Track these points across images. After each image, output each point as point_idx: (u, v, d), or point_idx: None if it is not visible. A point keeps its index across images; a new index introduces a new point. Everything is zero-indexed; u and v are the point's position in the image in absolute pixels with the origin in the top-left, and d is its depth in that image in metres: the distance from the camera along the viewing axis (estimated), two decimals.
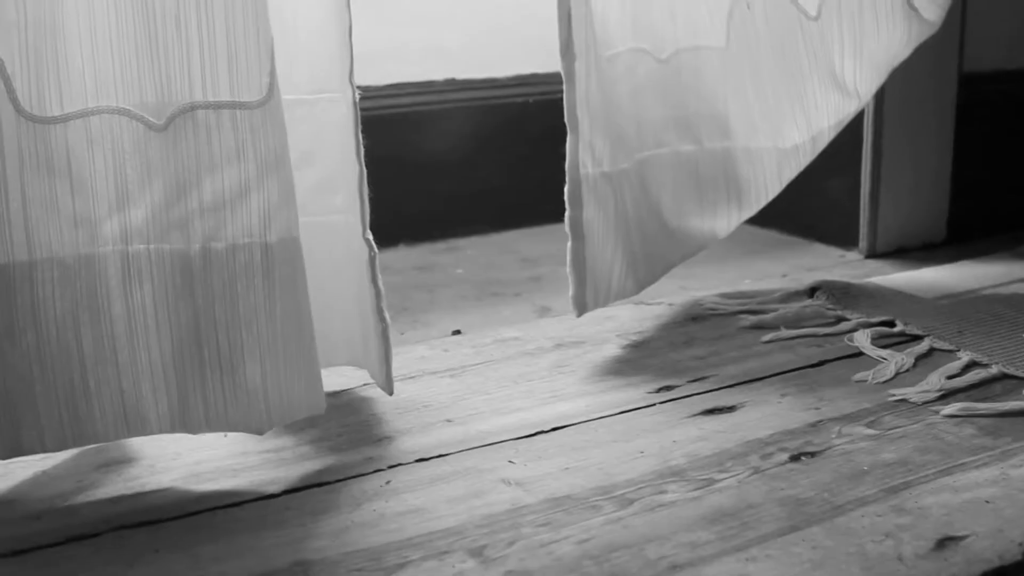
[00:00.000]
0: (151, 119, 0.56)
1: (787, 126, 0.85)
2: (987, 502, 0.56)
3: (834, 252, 1.10)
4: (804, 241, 1.15)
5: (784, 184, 0.87)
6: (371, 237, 0.64)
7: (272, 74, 0.56)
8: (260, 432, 0.59)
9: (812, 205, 1.13)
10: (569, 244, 0.75)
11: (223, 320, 0.57)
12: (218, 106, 0.56)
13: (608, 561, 0.51)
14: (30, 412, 0.57)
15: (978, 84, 1.11)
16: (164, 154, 0.56)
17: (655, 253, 0.83)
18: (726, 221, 0.87)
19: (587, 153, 0.73)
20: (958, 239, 1.12)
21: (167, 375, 0.58)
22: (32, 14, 0.53)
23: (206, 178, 0.56)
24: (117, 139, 0.56)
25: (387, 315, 0.65)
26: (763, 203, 0.88)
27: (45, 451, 0.58)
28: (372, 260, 0.64)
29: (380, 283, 0.65)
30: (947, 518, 0.54)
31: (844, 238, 1.10)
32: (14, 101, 0.54)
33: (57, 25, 0.54)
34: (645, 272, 0.82)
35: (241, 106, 0.56)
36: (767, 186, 0.87)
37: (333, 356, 0.71)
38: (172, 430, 0.60)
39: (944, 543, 0.52)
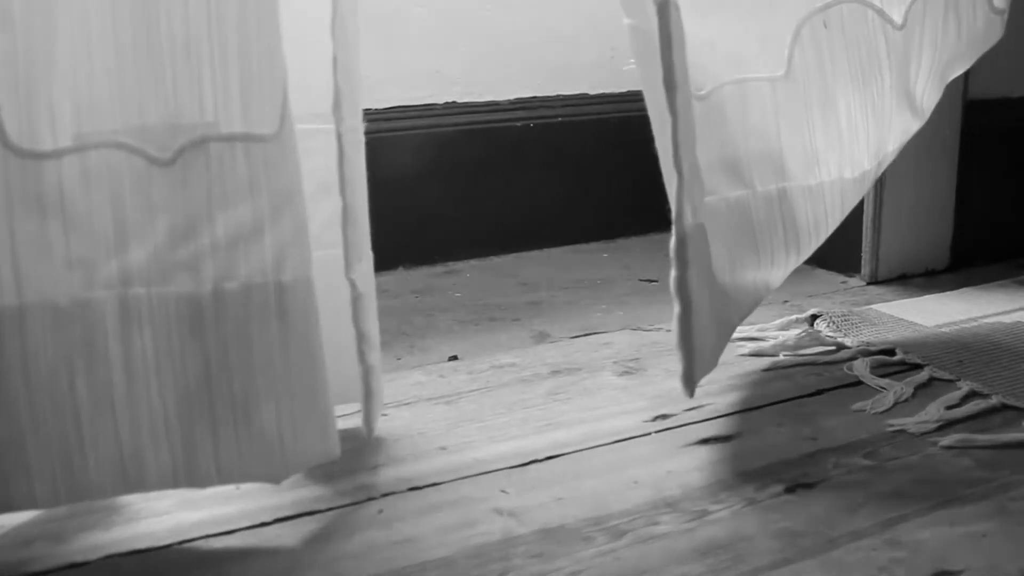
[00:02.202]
0: (155, 153, 0.53)
1: (859, 152, 0.78)
2: (983, 536, 0.55)
3: (836, 278, 1.09)
4: (806, 267, 1.14)
5: (843, 218, 0.80)
6: (355, 277, 0.60)
7: (285, 105, 0.53)
8: (276, 481, 0.57)
9: None
10: (677, 311, 0.63)
11: (237, 364, 0.54)
12: (231, 138, 0.53)
13: None
14: (20, 465, 0.53)
15: (983, 111, 1.10)
16: (171, 191, 0.53)
17: (722, 316, 0.73)
18: (783, 270, 0.77)
19: (688, 202, 0.63)
20: (961, 266, 1.11)
21: (170, 426, 0.55)
22: (23, 42, 0.50)
23: (218, 215, 0.53)
24: (116, 175, 0.53)
25: (371, 357, 0.62)
26: (822, 241, 0.79)
27: (36, 507, 0.54)
28: (355, 300, 0.60)
29: (365, 324, 0.61)
30: (943, 552, 0.53)
31: (846, 264, 1.10)
32: (1, 134, 0.50)
33: (52, 54, 0.51)
34: (719, 338, 0.72)
35: (255, 139, 0.53)
36: (828, 223, 0.78)
37: (344, 394, 0.66)
38: (175, 485, 0.56)
39: None
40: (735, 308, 0.74)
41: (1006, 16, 0.78)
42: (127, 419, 0.54)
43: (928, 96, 0.79)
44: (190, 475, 0.55)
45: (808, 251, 0.78)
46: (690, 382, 0.64)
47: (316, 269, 0.58)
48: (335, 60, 0.57)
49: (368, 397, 0.63)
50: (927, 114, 0.79)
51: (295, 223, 0.55)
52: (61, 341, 0.53)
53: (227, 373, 0.54)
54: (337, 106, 0.58)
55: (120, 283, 0.53)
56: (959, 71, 0.79)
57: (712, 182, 0.72)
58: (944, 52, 0.77)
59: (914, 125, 0.79)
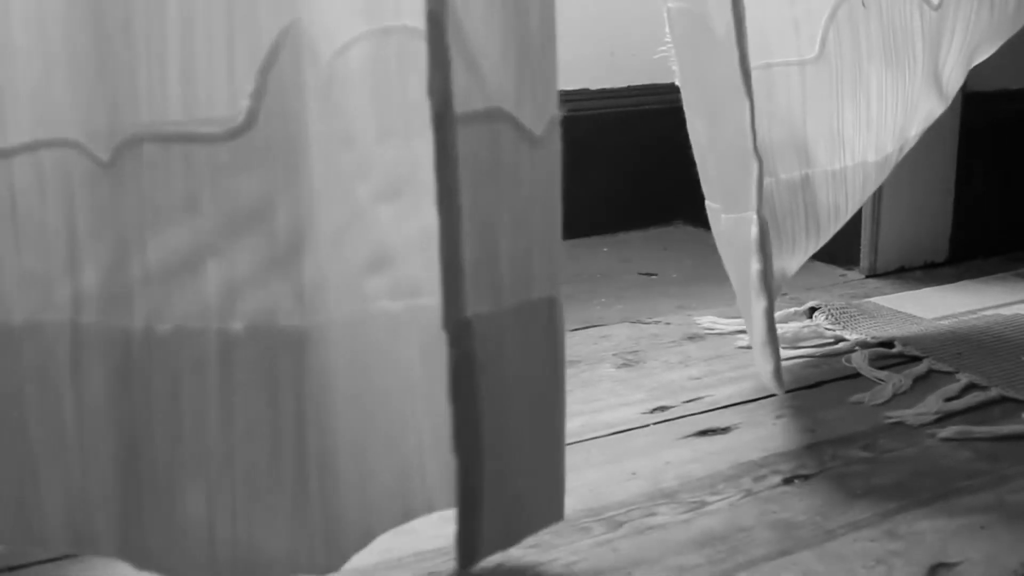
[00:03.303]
0: (99, 154, 0.43)
1: (884, 135, 0.78)
2: (982, 527, 0.55)
3: (835, 271, 1.09)
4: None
5: (862, 203, 0.80)
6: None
7: (258, 95, 0.41)
8: None
9: None
10: (764, 306, 0.62)
11: (161, 428, 0.43)
12: (166, 138, 0.42)
13: None
14: None
15: (982, 103, 1.10)
16: (113, 200, 0.43)
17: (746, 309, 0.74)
18: (802, 256, 0.78)
19: (758, 192, 0.63)
20: (960, 259, 1.11)
21: (114, 487, 0.45)
22: None
23: (149, 236, 0.42)
24: (69, 178, 0.43)
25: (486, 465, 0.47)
26: (839, 227, 0.80)
27: None
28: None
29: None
30: (941, 544, 0.53)
31: (845, 257, 1.10)
32: None
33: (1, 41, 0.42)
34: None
35: (197, 139, 0.41)
36: (848, 207, 0.78)
37: (379, 517, 0.49)
38: (119, 556, 0.47)
39: (937, 570, 0.51)
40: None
41: None
42: (78, 468, 0.46)
43: (954, 79, 0.78)
44: (127, 550, 0.46)
45: (827, 236, 0.78)
46: (780, 377, 0.65)
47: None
48: None
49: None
50: (951, 97, 0.78)
51: (261, 253, 0.43)
52: (11, 367, 0.45)
53: (150, 437, 0.44)
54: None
55: (72, 307, 0.44)
56: (986, 54, 0.78)
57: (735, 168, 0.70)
58: (975, 33, 0.76)
59: (938, 108, 0.78)
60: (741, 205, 0.65)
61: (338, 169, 0.44)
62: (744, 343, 0.84)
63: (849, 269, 1.09)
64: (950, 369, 0.77)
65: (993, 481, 0.60)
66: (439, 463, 0.49)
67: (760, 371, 0.67)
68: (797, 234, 0.76)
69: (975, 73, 1.09)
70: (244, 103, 0.41)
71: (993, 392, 0.72)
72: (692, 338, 0.86)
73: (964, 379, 0.74)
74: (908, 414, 0.69)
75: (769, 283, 0.62)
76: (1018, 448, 0.64)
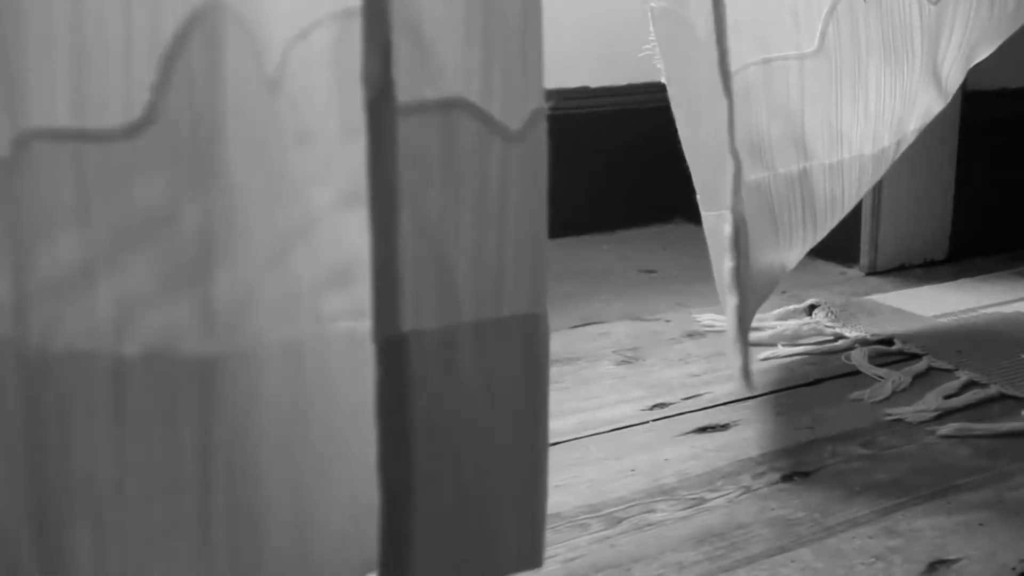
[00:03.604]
0: (2, 150, 0.38)
1: (881, 128, 0.78)
2: (981, 524, 0.55)
3: (835, 269, 1.09)
4: (805, 257, 1.13)
5: (860, 197, 0.79)
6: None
7: (160, 88, 0.36)
8: None
9: None
10: (735, 303, 0.62)
11: (50, 457, 0.38)
12: (55, 135, 0.36)
13: None
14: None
15: (983, 102, 1.10)
16: (13, 201, 0.38)
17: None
18: (800, 249, 0.78)
19: (739, 189, 0.62)
20: (960, 257, 1.11)
21: (8, 511, 0.41)
22: None
23: (41, 245, 0.37)
24: None
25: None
26: (837, 221, 0.79)
27: None
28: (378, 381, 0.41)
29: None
30: (939, 541, 0.53)
31: (845, 255, 1.10)
32: None
33: None
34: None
35: (88, 136, 0.36)
36: (845, 200, 0.78)
37: (326, 569, 0.43)
38: None
39: (936, 567, 0.51)
40: (753, 295, 0.73)
41: None
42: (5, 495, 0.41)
43: (953, 76, 0.78)
44: None
45: (824, 230, 0.78)
46: (748, 375, 0.63)
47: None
48: None
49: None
50: (950, 95, 0.78)
51: (159, 269, 0.37)
52: None
53: (37, 466, 0.39)
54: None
55: (12, 322, 0.39)
56: (986, 52, 0.78)
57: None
58: (975, 30, 0.76)
59: (937, 104, 0.78)
60: (719, 202, 0.65)
61: (286, 171, 0.39)
62: None
63: (849, 267, 1.09)
64: (949, 367, 0.77)
65: (992, 478, 0.60)
66: None
67: (732, 367, 0.67)
68: (795, 228, 0.76)
69: (975, 72, 1.09)
70: (144, 96, 0.36)
71: (992, 389, 0.72)
72: (692, 335, 0.86)
73: (963, 376, 0.74)
74: (907, 411, 0.69)
75: (742, 280, 0.62)
76: (1017, 445, 0.64)
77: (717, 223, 0.66)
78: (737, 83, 0.70)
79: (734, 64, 0.68)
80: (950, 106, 1.07)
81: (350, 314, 0.41)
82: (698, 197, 0.73)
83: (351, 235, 0.40)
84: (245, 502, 0.39)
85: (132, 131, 0.36)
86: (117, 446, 0.38)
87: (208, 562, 0.39)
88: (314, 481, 0.41)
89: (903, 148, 0.79)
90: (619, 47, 1.28)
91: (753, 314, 0.74)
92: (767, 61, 0.73)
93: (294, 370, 0.40)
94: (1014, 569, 0.50)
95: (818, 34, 0.73)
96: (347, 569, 0.43)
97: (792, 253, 0.77)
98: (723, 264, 0.63)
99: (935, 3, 0.74)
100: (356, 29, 0.39)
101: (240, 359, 0.38)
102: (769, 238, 0.74)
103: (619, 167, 1.30)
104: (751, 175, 0.72)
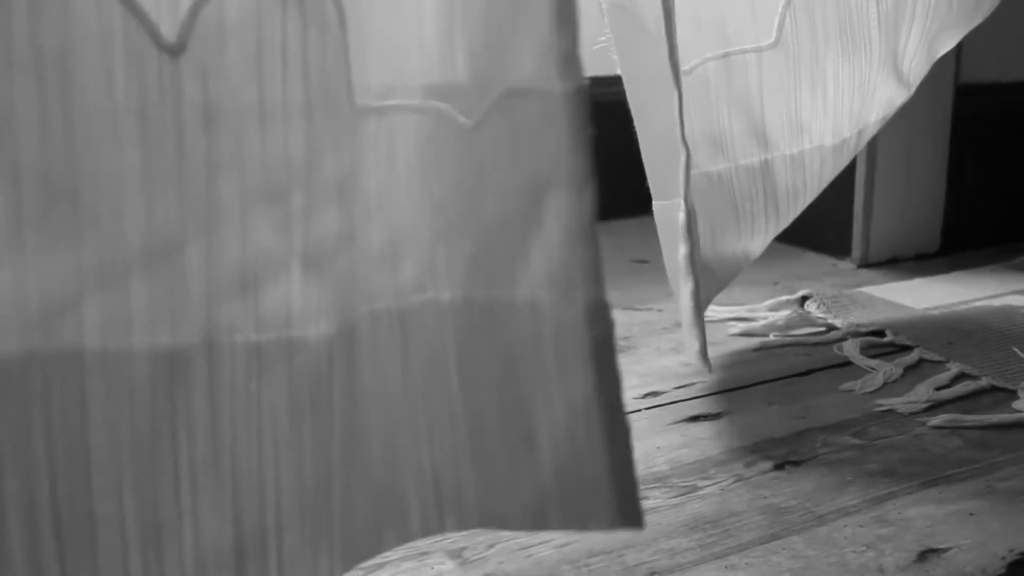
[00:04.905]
0: None
1: (842, 118, 0.78)
2: (971, 514, 0.55)
3: (827, 261, 1.09)
4: (797, 249, 1.14)
5: (822, 188, 0.80)
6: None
7: None
8: None
9: (805, 214, 1.12)
10: (690, 288, 0.63)
11: None
12: None
13: (587, 566, 0.51)
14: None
15: (975, 95, 1.10)
16: None
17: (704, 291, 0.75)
18: (763, 238, 0.80)
19: (690, 178, 0.64)
20: (952, 250, 1.11)
21: None
22: None
23: None
24: None
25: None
26: (799, 211, 0.81)
27: None
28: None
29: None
30: (930, 530, 0.54)
31: (837, 247, 1.10)
32: None
33: None
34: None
35: None
36: (807, 191, 0.80)
37: None
38: None
39: (926, 555, 0.51)
40: (714, 281, 0.76)
41: None
42: None
43: (915, 68, 0.78)
44: None
45: (787, 219, 0.79)
46: (706, 357, 0.65)
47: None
48: None
49: None
50: (913, 87, 0.78)
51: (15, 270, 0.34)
52: None
53: None
54: None
55: None
56: (949, 45, 0.78)
57: (695, 156, 0.73)
58: (935, 21, 0.76)
59: (899, 96, 0.78)
60: (672, 192, 0.65)
61: (181, 162, 0.36)
62: (736, 330, 0.84)
63: (841, 259, 1.09)
64: (941, 358, 0.77)
65: (982, 469, 0.60)
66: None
67: (687, 351, 0.67)
68: (757, 217, 0.77)
69: (968, 65, 1.09)
70: None
71: (983, 381, 0.72)
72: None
73: (955, 368, 0.75)
74: (899, 402, 0.69)
75: (695, 266, 0.63)
76: (1007, 436, 0.65)
77: (669, 212, 0.67)
78: (697, 77, 0.73)
79: (694, 59, 0.73)
80: (943, 98, 1.08)
81: (253, 326, 0.38)
82: (651, 188, 0.74)
83: (261, 235, 0.38)
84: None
85: None
86: None
87: None
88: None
89: (866, 139, 0.79)
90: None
91: (710, 300, 0.76)
92: (726, 55, 0.74)
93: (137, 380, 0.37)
94: (1004, 558, 0.51)
95: (775, 26, 0.74)
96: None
97: (755, 242, 0.78)
98: (677, 251, 0.63)
99: None
100: None
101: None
102: (731, 227, 0.76)
103: (611, 157, 1.29)
104: (712, 166, 0.75)
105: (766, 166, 0.77)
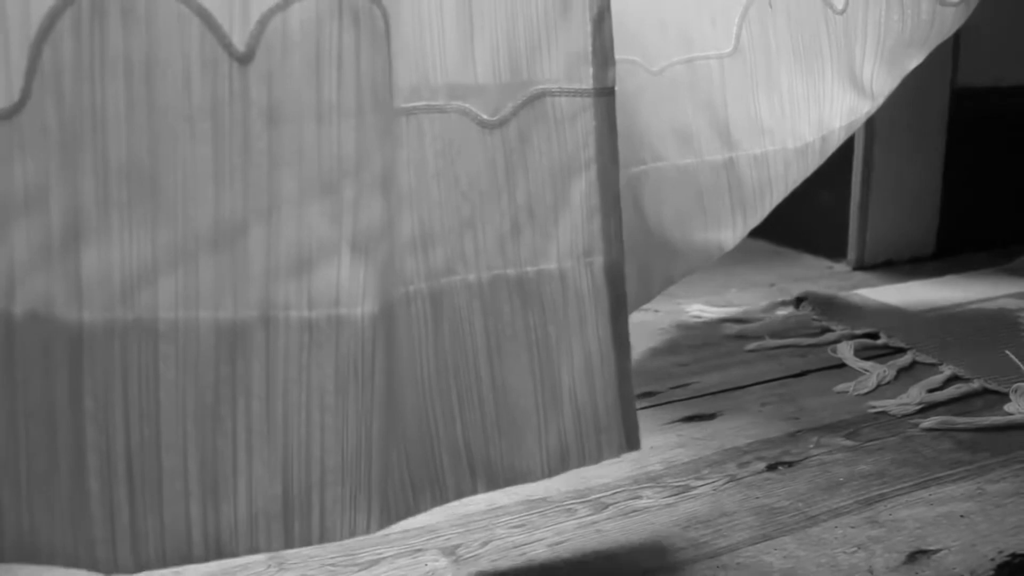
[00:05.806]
0: None
1: (800, 124, 0.83)
2: (962, 516, 0.56)
3: (822, 263, 1.10)
4: (793, 252, 1.15)
5: (791, 188, 0.84)
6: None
7: (29, 73, 0.38)
8: None
9: (801, 216, 1.13)
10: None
11: None
12: None
13: (580, 565, 0.51)
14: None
15: (970, 100, 1.11)
16: None
17: (651, 267, 0.81)
18: (731, 231, 0.83)
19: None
20: (946, 253, 1.12)
21: None
22: None
23: None
24: None
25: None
26: (768, 209, 0.84)
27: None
28: None
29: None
30: (920, 531, 0.54)
31: (833, 250, 1.11)
32: None
33: None
34: (640, 287, 0.80)
35: None
36: (774, 190, 0.84)
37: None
38: None
39: (916, 556, 0.52)
40: (680, 262, 0.80)
41: (969, 6, 0.79)
42: None
43: (878, 79, 0.81)
44: None
45: (756, 215, 0.83)
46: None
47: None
48: None
49: None
50: (878, 97, 0.82)
51: (38, 241, 0.39)
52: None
53: None
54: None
55: None
56: (915, 60, 0.82)
57: (665, 150, 0.79)
58: (888, 38, 0.79)
59: (862, 106, 0.82)
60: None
61: (246, 156, 0.41)
62: (732, 331, 0.85)
63: (836, 261, 1.10)
64: (934, 361, 0.77)
65: (973, 471, 0.61)
66: (331, 493, 0.44)
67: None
68: (723, 210, 0.82)
69: (964, 70, 1.10)
70: (19, 82, 0.38)
71: (975, 384, 0.73)
72: (680, 325, 0.87)
73: (947, 371, 0.75)
74: (891, 404, 0.70)
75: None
76: (998, 439, 0.65)
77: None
78: (666, 78, 0.78)
79: (662, 61, 0.78)
80: (939, 103, 1.08)
81: (305, 303, 0.43)
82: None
83: (314, 222, 0.43)
84: (121, 464, 0.41)
85: (7, 115, 0.38)
86: (9, 398, 0.40)
87: (83, 512, 0.41)
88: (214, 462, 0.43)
89: (833, 144, 0.82)
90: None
91: (677, 279, 0.81)
92: (691, 60, 0.80)
93: (205, 353, 0.42)
94: (992, 560, 0.51)
95: (734, 36, 0.79)
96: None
97: (724, 233, 0.82)
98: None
99: (840, 13, 0.79)
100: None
101: (132, 330, 0.41)
102: (698, 216, 0.80)
103: None
104: (680, 159, 0.79)
105: (731, 163, 0.82)
